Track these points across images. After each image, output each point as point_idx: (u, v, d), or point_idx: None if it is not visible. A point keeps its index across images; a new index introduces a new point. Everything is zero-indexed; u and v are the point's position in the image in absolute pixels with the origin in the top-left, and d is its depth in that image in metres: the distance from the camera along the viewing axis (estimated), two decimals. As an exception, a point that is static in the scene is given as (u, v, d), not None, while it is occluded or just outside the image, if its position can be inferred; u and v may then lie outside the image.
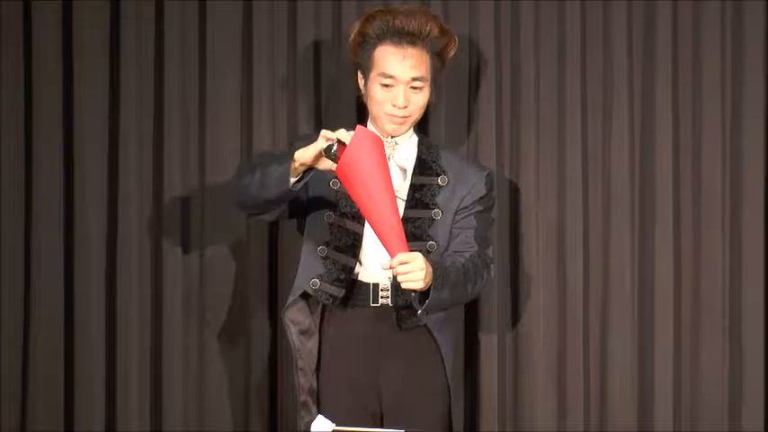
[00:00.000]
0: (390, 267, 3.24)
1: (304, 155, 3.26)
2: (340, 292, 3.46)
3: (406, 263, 3.22)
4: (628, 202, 3.98)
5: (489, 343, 3.97)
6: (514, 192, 3.99)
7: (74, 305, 3.98)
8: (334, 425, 3.10)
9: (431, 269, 3.27)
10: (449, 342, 3.55)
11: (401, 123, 3.48)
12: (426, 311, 3.34)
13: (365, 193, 3.22)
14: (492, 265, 3.53)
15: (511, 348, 4.00)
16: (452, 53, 3.52)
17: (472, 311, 3.95)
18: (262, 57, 3.97)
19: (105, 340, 3.98)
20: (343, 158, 3.20)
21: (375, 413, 3.49)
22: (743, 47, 3.97)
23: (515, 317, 4.01)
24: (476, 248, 3.48)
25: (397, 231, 3.24)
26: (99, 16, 3.95)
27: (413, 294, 3.31)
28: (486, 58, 3.96)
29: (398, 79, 3.44)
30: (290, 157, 3.29)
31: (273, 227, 3.98)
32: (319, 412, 3.37)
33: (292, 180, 3.29)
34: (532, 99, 3.98)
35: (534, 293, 3.98)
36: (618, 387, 3.98)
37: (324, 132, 3.23)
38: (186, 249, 3.99)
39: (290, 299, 3.48)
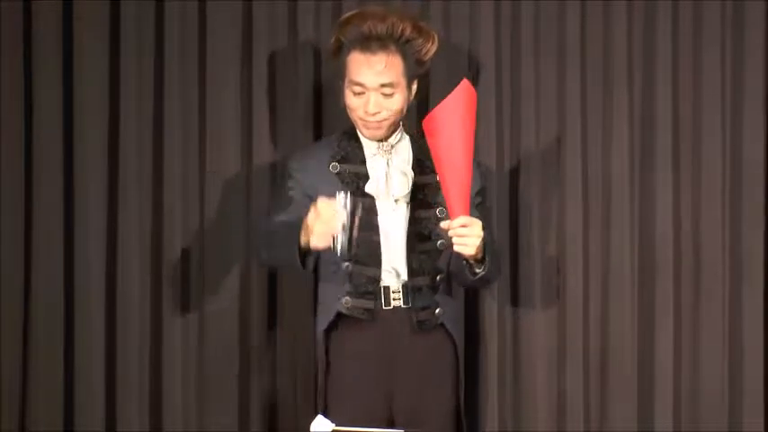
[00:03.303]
0: (449, 228, 3.26)
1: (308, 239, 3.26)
2: (372, 304, 3.45)
3: (466, 226, 3.24)
4: (627, 201, 3.98)
5: (489, 342, 3.96)
6: (514, 190, 3.99)
7: (74, 305, 3.97)
8: (334, 425, 3.10)
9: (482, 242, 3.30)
10: (462, 339, 3.57)
11: (377, 128, 3.45)
12: (480, 280, 3.39)
13: (449, 146, 3.22)
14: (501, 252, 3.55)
15: (511, 348, 4.00)
16: (431, 53, 3.48)
17: (472, 310, 3.94)
18: (261, 57, 3.97)
19: (105, 340, 3.97)
20: (439, 108, 3.22)
21: (384, 417, 3.48)
22: (743, 46, 3.97)
23: (515, 316, 4.01)
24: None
25: (465, 193, 3.27)
26: (99, 16, 3.95)
27: (464, 263, 3.34)
28: (486, 58, 3.96)
29: (367, 86, 3.41)
30: (294, 235, 3.28)
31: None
32: (325, 415, 3.38)
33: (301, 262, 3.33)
34: (532, 99, 3.98)
35: (534, 292, 3.98)
36: (618, 387, 3.98)
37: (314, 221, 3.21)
38: (186, 249, 3.98)
39: (326, 318, 3.46)
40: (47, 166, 3.96)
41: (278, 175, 3.89)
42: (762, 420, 3.98)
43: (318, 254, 3.38)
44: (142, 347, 3.98)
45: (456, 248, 3.28)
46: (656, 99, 3.98)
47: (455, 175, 3.25)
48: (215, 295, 3.98)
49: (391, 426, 3.48)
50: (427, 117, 3.25)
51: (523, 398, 4.00)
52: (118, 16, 3.95)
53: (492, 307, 3.96)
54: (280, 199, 3.53)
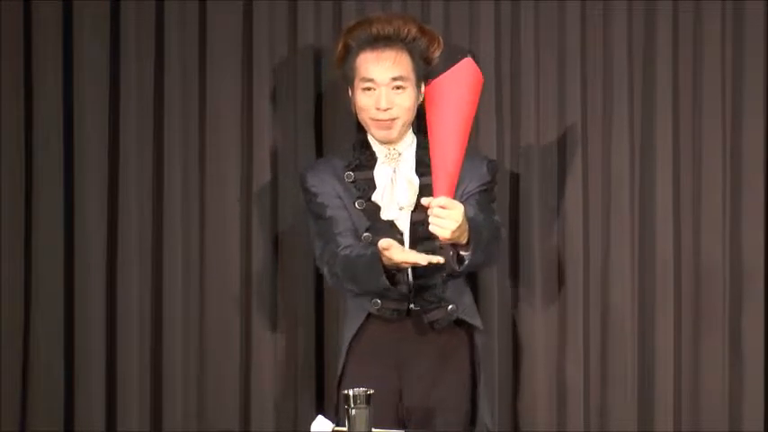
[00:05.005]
0: (428, 206, 3.21)
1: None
2: (404, 305, 3.44)
3: (445, 208, 3.20)
4: (628, 201, 3.98)
5: (489, 341, 3.96)
6: (514, 190, 3.99)
7: (74, 305, 3.97)
8: (334, 425, 3.10)
9: (466, 227, 3.24)
10: (480, 324, 3.56)
11: (388, 127, 3.45)
12: (460, 272, 3.33)
13: (442, 121, 3.18)
14: (502, 228, 3.52)
15: (510, 346, 4.00)
16: (437, 53, 3.49)
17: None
18: (262, 59, 3.97)
19: (105, 340, 3.98)
20: (439, 80, 3.19)
21: (395, 416, 3.47)
22: (743, 47, 3.97)
23: (515, 315, 4.01)
24: (482, 216, 3.46)
25: (452, 174, 3.21)
26: (99, 17, 3.95)
27: (450, 254, 3.29)
28: (486, 58, 3.96)
29: (378, 81, 3.43)
30: (375, 263, 3.28)
31: (273, 225, 3.98)
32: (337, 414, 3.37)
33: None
34: (532, 99, 3.98)
35: (534, 291, 3.98)
36: (618, 387, 3.98)
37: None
38: (186, 249, 3.98)
39: (355, 324, 3.47)
40: (47, 167, 3.96)
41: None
42: (762, 421, 3.99)
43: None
44: (142, 347, 3.98)
45: (431, 228, 3.22)
46: (656, 99, 3.98)
47: (445, 152, 3.19)
48: (215, 295, 3.99)
49: (402, 425, 3.47)
50: (429, 85, 3.23)
51: (523, 397, 4.00)
52: (118, 16, 3.95)
53: (492, 305, 3.96)
54: (322, 221, 3.49)
